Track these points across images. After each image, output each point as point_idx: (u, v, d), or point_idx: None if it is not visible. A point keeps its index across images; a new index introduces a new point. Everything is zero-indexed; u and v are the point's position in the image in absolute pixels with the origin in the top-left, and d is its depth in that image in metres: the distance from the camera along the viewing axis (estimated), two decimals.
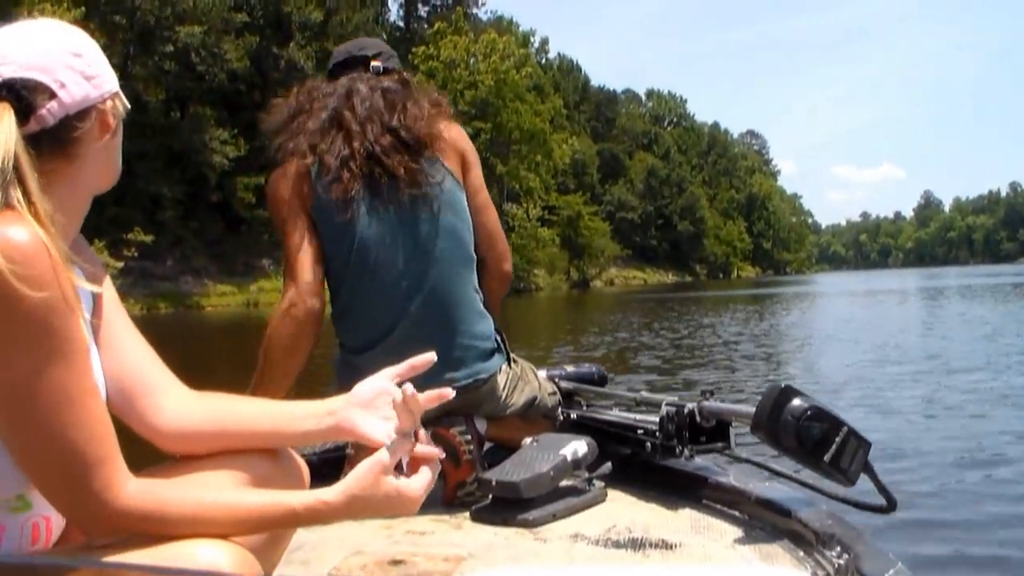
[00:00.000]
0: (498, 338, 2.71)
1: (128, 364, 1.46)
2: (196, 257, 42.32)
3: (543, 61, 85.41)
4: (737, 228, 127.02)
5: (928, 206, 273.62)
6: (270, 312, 2.65)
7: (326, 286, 2.63)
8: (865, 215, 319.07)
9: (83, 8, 33.61)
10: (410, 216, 2.56)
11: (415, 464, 1.38)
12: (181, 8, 42.03)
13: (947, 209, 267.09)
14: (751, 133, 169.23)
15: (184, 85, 46.05)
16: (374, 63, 2.75)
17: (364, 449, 1.45)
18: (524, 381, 2.74)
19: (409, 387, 1.38)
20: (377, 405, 1.49)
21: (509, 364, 2.72)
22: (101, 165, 1.36)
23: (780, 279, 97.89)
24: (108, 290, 1.48)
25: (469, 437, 2.51)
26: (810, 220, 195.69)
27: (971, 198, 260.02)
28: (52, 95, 1.25)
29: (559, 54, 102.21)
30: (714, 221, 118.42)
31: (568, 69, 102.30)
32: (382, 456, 1.32)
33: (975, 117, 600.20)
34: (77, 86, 1.27)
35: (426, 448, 1.39)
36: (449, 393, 1.44)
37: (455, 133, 2.69)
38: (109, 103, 1.33)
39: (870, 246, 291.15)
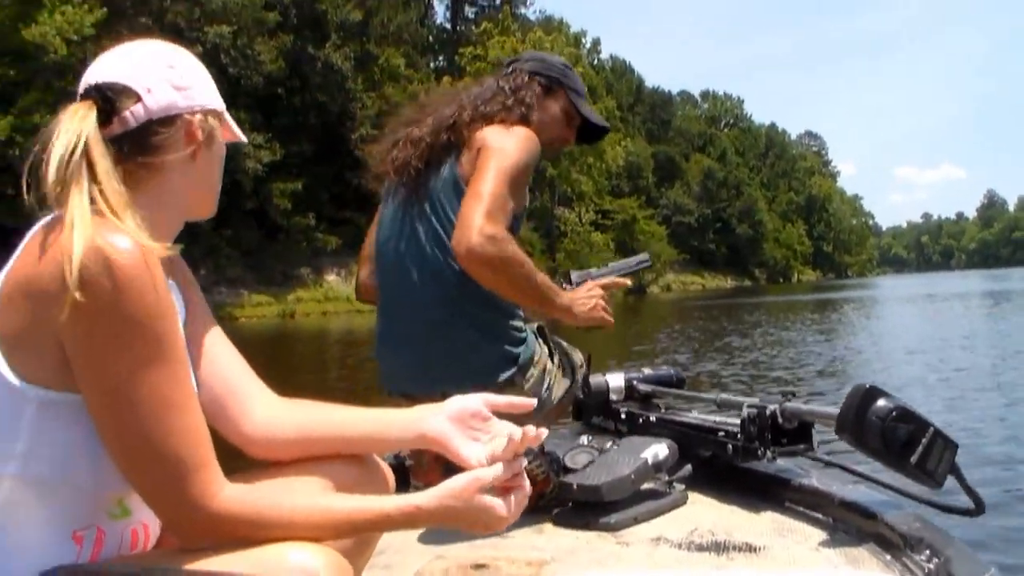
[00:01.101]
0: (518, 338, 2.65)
1: (219, 371, 1.49)
2: (231, 267, 41.17)
3: (595, 62, 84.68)
4: (797, 231, 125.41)
5: (992, 206, 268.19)
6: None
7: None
8: (927, 216, 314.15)
9: (106, 9, 33.46)
10: (405, 219, 2.68)
11: (504, 491, 1.39)
12: (211, 8, 40.98)
13: (1012, 209, 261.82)
14: (809, 134, 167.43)
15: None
16: (512, 64, 2.88)
17: (427, 458, 1.48)
18: (546, 371, 2.71)
19: (530, 429, 1.39)
20: (468, 422, 1.50)
21: (544, 356, 2.71)
22: (191, 183, 1.39)
23: (842, 283, 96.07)
24: (199, 298, 1.52)
25: (540, 461, 2.42)
26: (871, 222, 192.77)
27: None
28: (137, 99, 1.30)
29: (611, 55, 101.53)
30: (773, 224, 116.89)
31: (621, 71, 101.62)
32: (482, 474, 1.35)
33: None
34: (164, 93, 1.32)
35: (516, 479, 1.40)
36: (532, 403, 1.50)
37: (495, 139, 2.58)
38: (198, 117, 1.37)
39: (932, 248, 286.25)
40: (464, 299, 2.55)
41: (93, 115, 1.26)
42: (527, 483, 1.42)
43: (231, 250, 40.94)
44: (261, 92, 43.25)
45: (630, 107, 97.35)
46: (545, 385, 2.70)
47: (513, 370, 2.60)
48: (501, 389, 2.42)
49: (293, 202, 44.28)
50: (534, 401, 1.51)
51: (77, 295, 1.12)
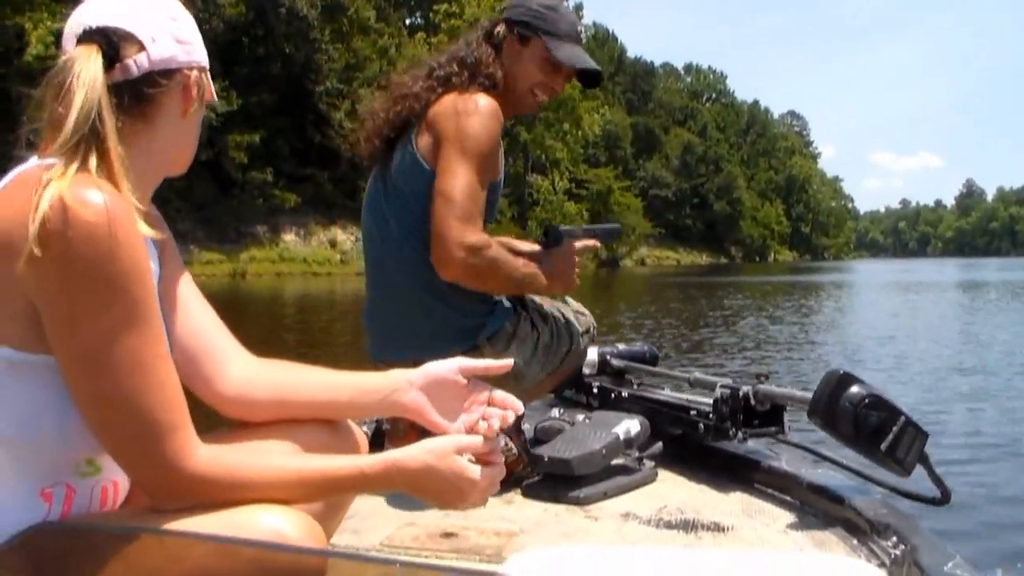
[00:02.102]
0: (502, 310, 2.63)
1: (194, 330, 1.48)
2: (181, 220, 37.99)
3: None
4: (775, 210, 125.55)
5: (970, 195, 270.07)
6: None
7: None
8: (905, 202, 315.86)
9: None
10: (375, 190, 2.67)
11: (480, 463, 1.39)
12: None
13: (990, 199, 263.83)
14: (792, 114, 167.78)
15: None
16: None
17: (403, 424, 1.49)
18: (519, 340, 2.65)
19: (508, 405, 1.43)
20: (443, 392, 1.50)
21: (534, 327, 2.67)
22: (177, 140, 1.38)
23: (819, 265, 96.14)
24: (175, 256, 1.51)
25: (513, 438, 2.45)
26: (850, 206, 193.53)
27: (1015, 188, 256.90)
28: (141, 47, 1.28)
29: (594, 22, 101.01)
30: (751, 202, 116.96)
31: (603, 39, 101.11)
32: (462, 439, 1.36)
33: (1022, 104, 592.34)
34: (167, 45, 1.31)
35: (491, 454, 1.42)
36: (519, 409, 1.48)
37: (449, 121, 2.51)
38: (195, 74, 1.36)
39: (909, 234, 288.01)
40: (430, 272, 2.51)
41: (99, 59, 1.23)
42: (502, 460, 1.43)
43: (181, 203, 38.61)
44: (220, 38, 40.71)
45: (611, 76, 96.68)
46: (521, 356, 2.63)
47: (478, 340, 2.57)
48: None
49: (250, 156, 41.85)
50: (510, 362, 1.51)
51: (36, 250, 1.10)
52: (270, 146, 43.07)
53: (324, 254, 45.69)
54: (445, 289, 2.50)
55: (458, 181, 2.41)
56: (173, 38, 1.32)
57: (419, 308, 2.55)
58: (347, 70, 48.48)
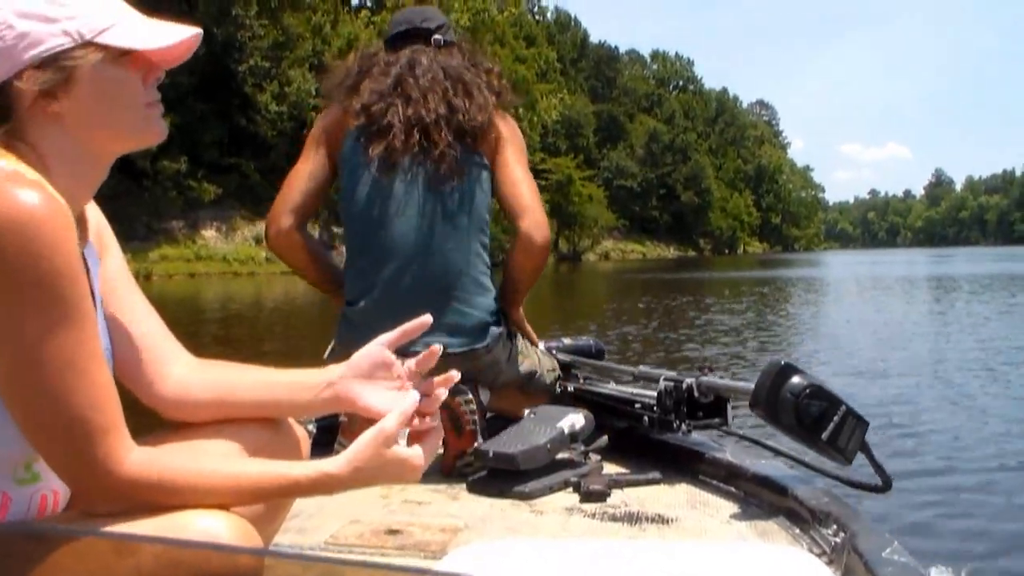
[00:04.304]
0: (500, 315, 2.84)
1: (136, 332, 1.50)
2: None
3: (535, 9, 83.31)
4: (744, 201, 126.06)
5: (939, 184, 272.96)
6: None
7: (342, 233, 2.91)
8: (874, 192, 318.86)
9: None
10: (430, 186, 2.77)
11: (418, 435, 1.42)
12: None
13: (959, 188, 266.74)
14: (761, 103, 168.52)
15: None
16: (436, 36, 2.94)
17: (358, 417, 1.51)
18: (524, 355, 2.88)
19: (409, 362, 1.46)
20: (376, 375, 1.52)
21: (509, 337, 2.85)
22: (92, 120, 1.32)
23: (790, 257, 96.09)
24: (117, 257, 1.53)
25: (474, 407, 2.61)
26: (820, 196, 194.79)
27: (984, 177, 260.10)
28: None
29: (556, 6, 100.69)
30: (720, 192, 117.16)
31: (565, 23, 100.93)
32: (385, 426, 1.35)
33: (989, 95, 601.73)
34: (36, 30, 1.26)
35: (428, 422, 1.43)
36: (437, 349, 1.49)
37: (506, 129, 2.90)
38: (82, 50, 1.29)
39: (878, 224, 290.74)
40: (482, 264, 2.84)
41: None
42: (439, 425, 1.45)
43: None
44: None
45: (573, 62, 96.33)
46: (505, 354, 2.85)
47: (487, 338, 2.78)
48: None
49: (160, 144, 39.97)
50: (428, 318, 1.52)
51: None
52: (186, 132, 39.43)
53: (248, 252, 43.14)
54: (485, 284, 2.83)
55: (530, 178, 2.90)
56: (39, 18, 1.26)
57: (462, 298, 2.77)
58: (275, 48, 46.35)
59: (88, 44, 1.28)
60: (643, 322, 15.04)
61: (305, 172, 2.88)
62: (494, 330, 2.77)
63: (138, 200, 39.51)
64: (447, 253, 2.76)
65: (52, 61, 1.26)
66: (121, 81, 1.31)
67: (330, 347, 2.82)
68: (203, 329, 14.77)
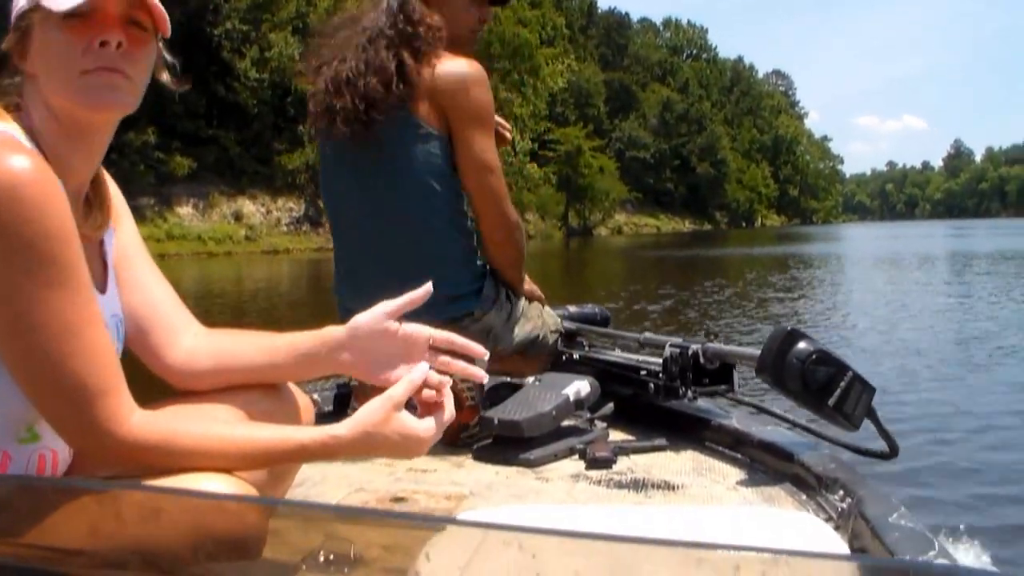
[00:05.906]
0: (489, 281, 2.83)
1: (147, 302, 1.55)
2: None
3: None
4: (761, 172, 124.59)
5: (958, 156, 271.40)
6: None
7: None
8: (892, 164, 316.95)
9: None
10: (371, 166, 2.73)
11: (427, 409, 1.46)
12: None
13: (978, 159, 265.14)
14: (777, 73, 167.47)
15: None
16: None
17: (368, 386, 1.55)
18: (525, 319, 2.89)
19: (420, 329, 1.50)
20: (377, 341, 1.55)
21: (508, 299, 2.86)
22: (46, 74, 1.33)
23: (809, 231, 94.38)
24: (129, 226, 1.57)
25: (470, 383, 2.59)
26: (839, 167, 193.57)
27: (1004, 148, 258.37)
28: None
29: None
30: (736, 164, 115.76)
31: None
32: (394, 392, 1.40)
33: (1009, 66, 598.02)
34: None
35: (434, 393, 1.47)
36: (429, 288, 1.56)
37: (440, 79, 2.66)
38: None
39: (896, 196, 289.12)
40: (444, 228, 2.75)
41: None
42: (450, 403, 1.48)
43: None
44: None
45: (582, 29, 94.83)
46: (499, 319, 2.85)
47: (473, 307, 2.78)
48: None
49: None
50: (429, 287, 1.56)
51: None
52: (155, 102, 37.21)
53: (226, 230, 41.33)
54: (461, 258, 2.78)
55: (493, 156, 2.73)
56: None
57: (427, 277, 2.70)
58: (254, 10, 44.77)
59: (37, 7, 1.30)
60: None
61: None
62: (476, 299, 2.77)
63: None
64: (397, 232, 2.73)
65: (18, 21, 1.32)
66: (57, 44, 1.32)
67: None
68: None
